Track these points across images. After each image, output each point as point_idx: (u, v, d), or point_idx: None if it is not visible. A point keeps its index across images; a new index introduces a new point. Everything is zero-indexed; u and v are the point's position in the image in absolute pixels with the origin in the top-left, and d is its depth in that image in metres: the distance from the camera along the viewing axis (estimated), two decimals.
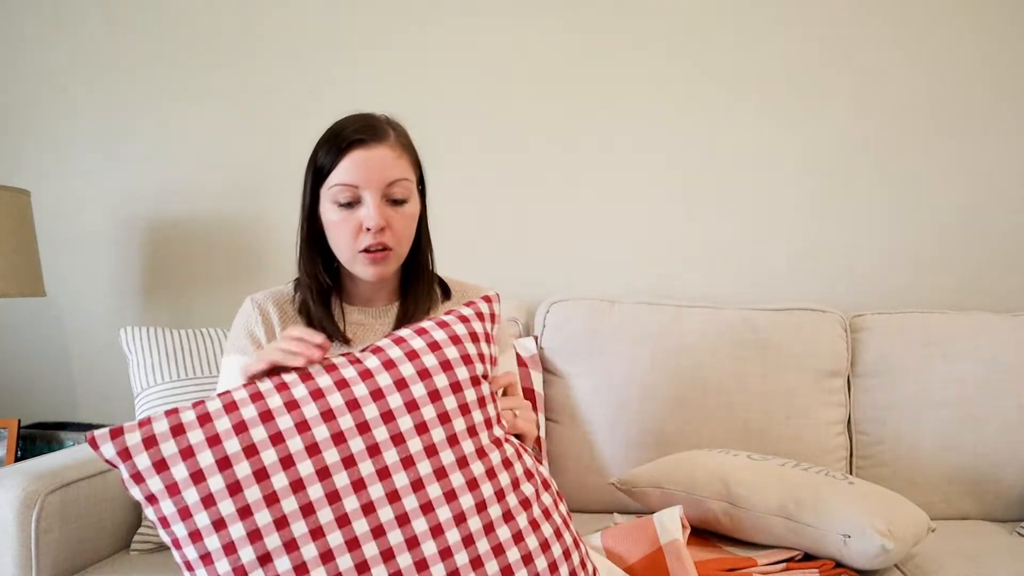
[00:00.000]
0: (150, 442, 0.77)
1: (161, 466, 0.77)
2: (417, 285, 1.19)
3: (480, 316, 0.93)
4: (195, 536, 0.76)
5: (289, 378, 0.84)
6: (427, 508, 0.79)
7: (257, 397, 0.81)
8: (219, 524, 0.76)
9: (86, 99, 2.05)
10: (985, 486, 1.59)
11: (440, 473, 0.81)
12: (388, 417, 0.81)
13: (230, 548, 0.76)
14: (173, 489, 0.76)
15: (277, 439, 0.78)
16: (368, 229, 1.07)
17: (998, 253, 1.90)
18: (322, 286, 1.15)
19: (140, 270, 2.06)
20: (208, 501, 0.76)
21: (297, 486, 0.77)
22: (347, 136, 1.08)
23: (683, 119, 1.95)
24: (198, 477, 0.76)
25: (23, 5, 2.06)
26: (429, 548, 0.78)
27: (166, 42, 2.03)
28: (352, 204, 1.08)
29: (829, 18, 1.91)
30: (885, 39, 1.91)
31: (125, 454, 0.78)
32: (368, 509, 0.78)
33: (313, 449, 0.78)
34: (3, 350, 2.11)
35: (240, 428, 0.79)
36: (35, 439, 1.87)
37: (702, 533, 1.36)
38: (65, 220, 2.07)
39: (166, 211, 2.05)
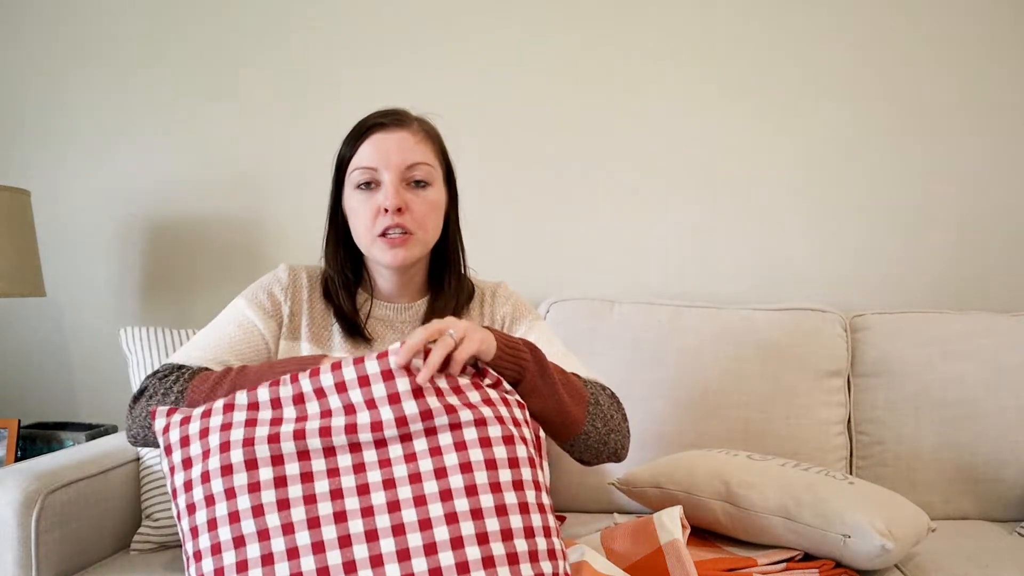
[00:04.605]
0: (185, 420, 0.86)
1: (184, 442, 0.85)
2: (447, 281, 1.17)
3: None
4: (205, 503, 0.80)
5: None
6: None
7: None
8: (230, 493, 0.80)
9: (86, 99, 2.05)
10: (985, 486, 1.59)
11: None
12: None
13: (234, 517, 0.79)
14: (187, 463, 0.84)
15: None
16: (386, 210, 1.05)
17: (998, 253, 1.90)
18: (347, 280, 1.15)
19: (140, 270, 2.06)
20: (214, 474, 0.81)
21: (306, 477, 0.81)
22: (367, 122, 1.10)
23: (683, 120, 1.94)
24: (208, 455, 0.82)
25: (23, 4, 2.06)
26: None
27: (166, 42, 2.03)
28: (371, 186, 1.08)
29: (830, 18, 1.91)
30: (885, 40, 1.91)
31: (165, 429, 0.87)
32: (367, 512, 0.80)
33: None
34: (3, 350, 2.11)
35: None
36: (35, 439, 1.87)
37: (702, 533, 1.36)
38: (65, 220, 2.07)
39: (166, 211, 2.05)
